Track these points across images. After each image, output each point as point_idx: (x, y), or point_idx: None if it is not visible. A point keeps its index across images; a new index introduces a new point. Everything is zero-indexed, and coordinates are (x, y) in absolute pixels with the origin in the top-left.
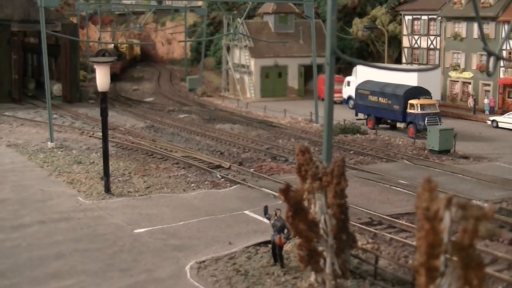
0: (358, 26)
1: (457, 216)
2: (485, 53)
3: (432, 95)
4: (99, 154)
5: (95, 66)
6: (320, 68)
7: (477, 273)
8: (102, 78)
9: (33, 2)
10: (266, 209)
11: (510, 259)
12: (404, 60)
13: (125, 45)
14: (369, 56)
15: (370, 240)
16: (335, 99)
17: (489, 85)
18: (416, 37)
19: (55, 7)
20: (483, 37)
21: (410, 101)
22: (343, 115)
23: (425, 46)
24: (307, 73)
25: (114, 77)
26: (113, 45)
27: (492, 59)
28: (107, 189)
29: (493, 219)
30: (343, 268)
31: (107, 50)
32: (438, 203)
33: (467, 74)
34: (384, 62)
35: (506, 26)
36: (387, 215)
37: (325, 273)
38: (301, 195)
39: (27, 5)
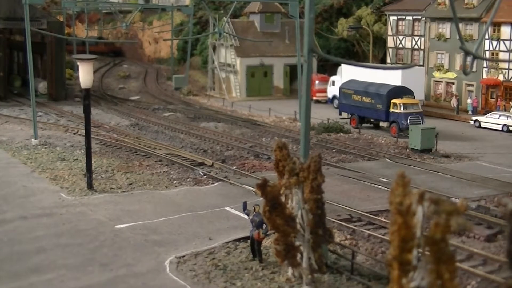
0: (343, 26)
1: (429, 210)
2: None
3: (415, 95)
4: (82, 151)
5: (78, 63)
6: None
7: (448, 267)
8: (85, 74)
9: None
10: (245, 205)
11: (485, 255)
12: (389, 60)
13: None
14: (355, 56)
15: (348, 236)
16: (320, 98)
17: (472, 85)
18: (400, 37)
19: (41, 5)
20: (460, 36)
21: (393, 101)
22: (328, 114)
23: (410, 47)
24: (292, 72)
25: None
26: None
27: (469, 59)
28: (90, 186)
29: (471, 216)
30: (319, 262)
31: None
32: (411, 198)
33: (451, 75)
34: (369, 62)
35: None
36: (366, 212)
37: (302, 267)
38: (278, 190)
39: (13, 3)
